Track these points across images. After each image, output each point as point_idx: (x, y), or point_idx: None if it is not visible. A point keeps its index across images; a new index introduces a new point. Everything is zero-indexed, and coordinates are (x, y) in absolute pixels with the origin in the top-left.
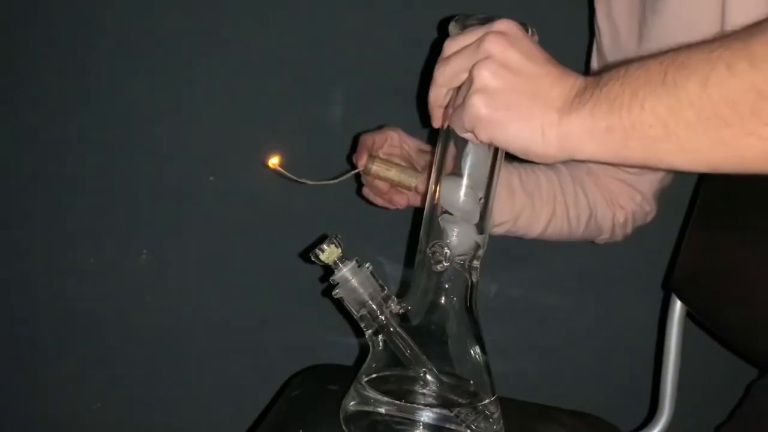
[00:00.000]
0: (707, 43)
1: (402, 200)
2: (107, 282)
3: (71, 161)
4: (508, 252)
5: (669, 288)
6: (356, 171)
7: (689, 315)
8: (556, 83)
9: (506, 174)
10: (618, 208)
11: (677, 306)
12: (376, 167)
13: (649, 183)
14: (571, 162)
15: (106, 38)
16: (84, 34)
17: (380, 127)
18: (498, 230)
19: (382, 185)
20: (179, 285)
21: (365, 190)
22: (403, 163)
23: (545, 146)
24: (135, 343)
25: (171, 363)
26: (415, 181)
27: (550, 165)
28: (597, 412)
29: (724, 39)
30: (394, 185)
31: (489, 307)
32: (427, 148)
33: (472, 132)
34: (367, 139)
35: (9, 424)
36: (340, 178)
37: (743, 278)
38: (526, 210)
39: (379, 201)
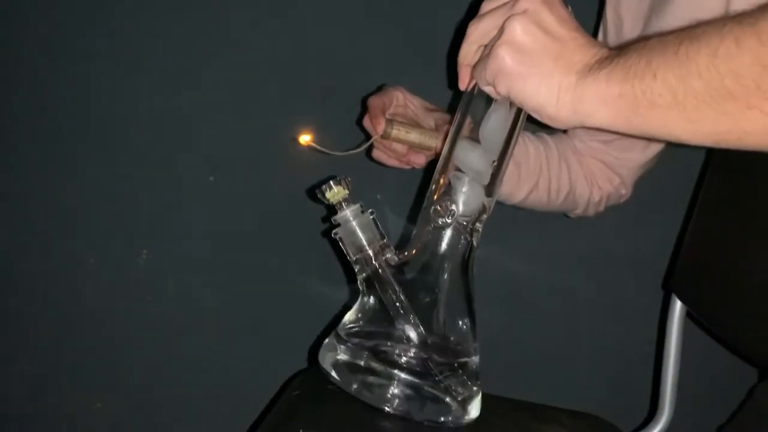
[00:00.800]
0: (722, 19)
1: (421, 160)
2: (107, 282)
3: (71, 161)
4: (508, 252)
5: (669, 288)
6: (377, 137)
7: (689, 315)
8: (580, 49)
9: None
10: (596, 187)
11: (677, 306)
12: (395, 131)
13: (630, 169)
14: (561, 138)
15: (106, 38)
16: (84, 33)
17: (381, 87)
18: None
19: (401, 148)
20: (179, 285)
21: (377, 153)
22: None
23: (558, 108)
24: (135, 342)
25: (171, 363)
26: (435, 141)
27: (540, 138)
28: (597, 412)
29: (737, 15)
30: (414, 147)
31: (488, 306)
32: (432, 106)
33: (493, 85)
34: (377, 102)
35: (9, 423)
36: (364, 146)
37: (743, 278)
38: (512, 178)
39: (393, 163)
